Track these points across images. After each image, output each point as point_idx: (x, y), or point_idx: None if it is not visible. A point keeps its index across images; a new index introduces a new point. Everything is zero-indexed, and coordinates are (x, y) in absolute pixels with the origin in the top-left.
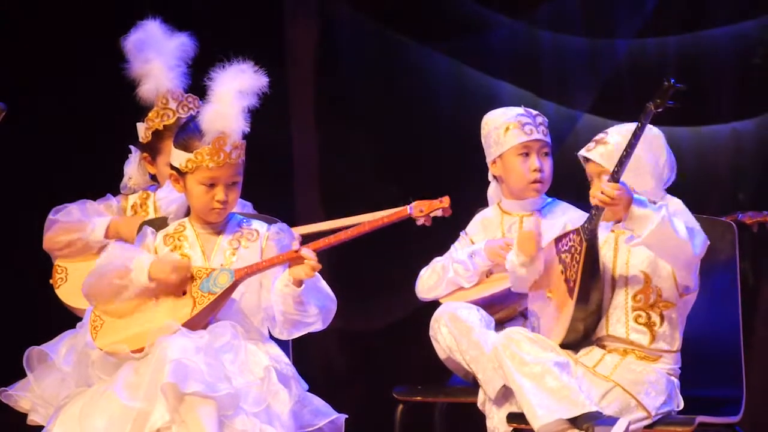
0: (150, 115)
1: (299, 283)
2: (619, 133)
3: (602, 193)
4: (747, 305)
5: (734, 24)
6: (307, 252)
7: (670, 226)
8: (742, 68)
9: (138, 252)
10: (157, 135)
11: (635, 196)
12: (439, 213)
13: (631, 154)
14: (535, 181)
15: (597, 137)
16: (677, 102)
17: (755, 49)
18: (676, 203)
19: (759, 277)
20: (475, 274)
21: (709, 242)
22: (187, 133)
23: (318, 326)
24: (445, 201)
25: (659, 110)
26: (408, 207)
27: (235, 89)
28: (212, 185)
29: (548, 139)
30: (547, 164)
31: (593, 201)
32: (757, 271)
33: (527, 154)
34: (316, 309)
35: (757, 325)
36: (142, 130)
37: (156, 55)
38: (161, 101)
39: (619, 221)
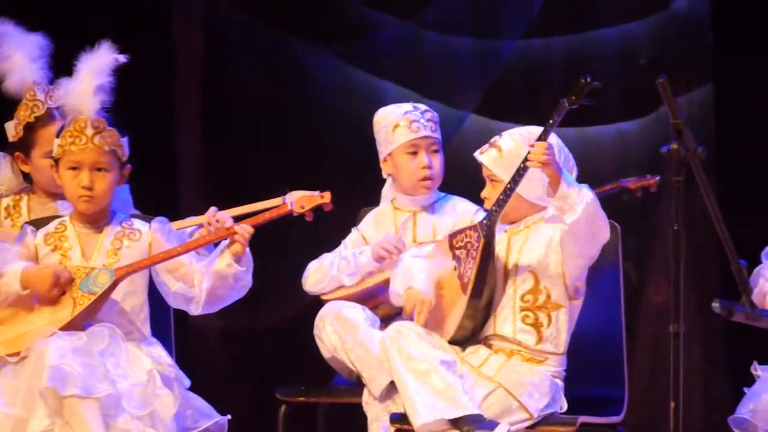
0: (19, 110)
1: (238, 260)
2: (511, 138)
3: (534, 154)
4: (630, 306)
5: (620, 25)
6: (243, 227)
7: (598, 204)
8: (627, 69)
9: (11, 256)
10: (29, 128)
11: (564, 172)
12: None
13: (546, 139)
14: (424, 179)
15: (492, 140)
16: (592, 100)
17: (641, 49)
18: None
19: (641, 278)
20: (357, 272)
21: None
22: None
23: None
24: (327, 196)
25: (573, 107)
26: (289, 203)
27: (88, 67)
28: (76, 169)
29: (437, 136)
30: (437, 160)
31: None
32: (639, 272)
33: (415, 153)
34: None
35: (639, 325)
36: (12, 128)
37: (16, 49)
38: (29, 94)
39: (513, 222)
